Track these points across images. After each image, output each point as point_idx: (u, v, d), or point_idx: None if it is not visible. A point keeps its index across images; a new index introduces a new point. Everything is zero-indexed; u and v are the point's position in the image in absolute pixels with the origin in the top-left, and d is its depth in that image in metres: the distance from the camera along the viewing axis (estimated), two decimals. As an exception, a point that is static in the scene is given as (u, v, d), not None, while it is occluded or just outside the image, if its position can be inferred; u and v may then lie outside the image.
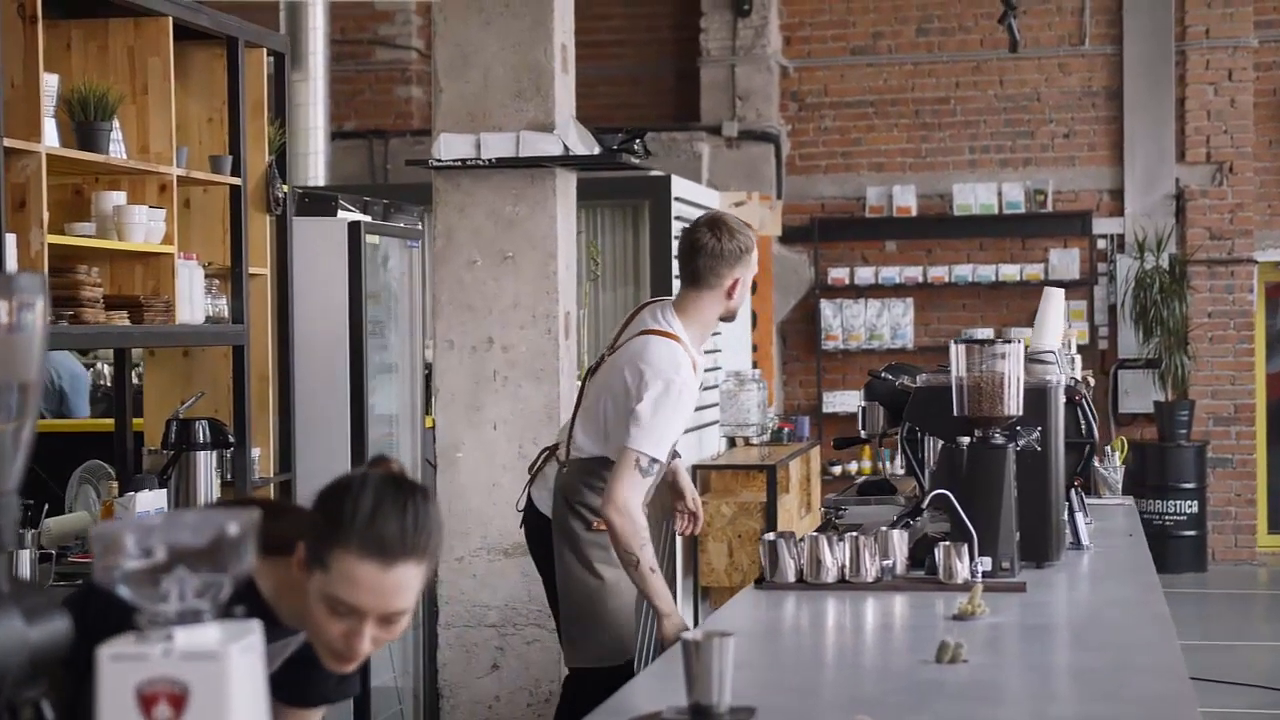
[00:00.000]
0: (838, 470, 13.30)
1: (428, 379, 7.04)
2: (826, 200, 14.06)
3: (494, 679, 6.60)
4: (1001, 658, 3.79)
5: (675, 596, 6.32)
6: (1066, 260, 13.54)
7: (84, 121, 5.17)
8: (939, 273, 13.66)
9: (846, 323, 13.80)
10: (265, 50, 6.31)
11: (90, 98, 5.17)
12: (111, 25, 5.57)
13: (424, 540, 2.65)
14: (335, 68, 13.86)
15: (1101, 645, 4.09)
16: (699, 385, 5.15)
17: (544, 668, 6.62)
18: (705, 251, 5.07)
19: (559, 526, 5.16)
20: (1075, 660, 3.88)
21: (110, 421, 6.25)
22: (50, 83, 5.08)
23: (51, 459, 6.65)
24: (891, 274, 13.73)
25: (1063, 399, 5.21)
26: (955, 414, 4.88)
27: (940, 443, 5.04)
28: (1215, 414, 13.51)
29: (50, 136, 5.03)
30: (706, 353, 10.48)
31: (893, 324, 13.71)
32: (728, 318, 5.25)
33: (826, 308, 13.79)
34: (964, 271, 13.64)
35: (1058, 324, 6.28)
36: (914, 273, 13.69)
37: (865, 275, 13.77)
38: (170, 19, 5.58)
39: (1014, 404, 4.86)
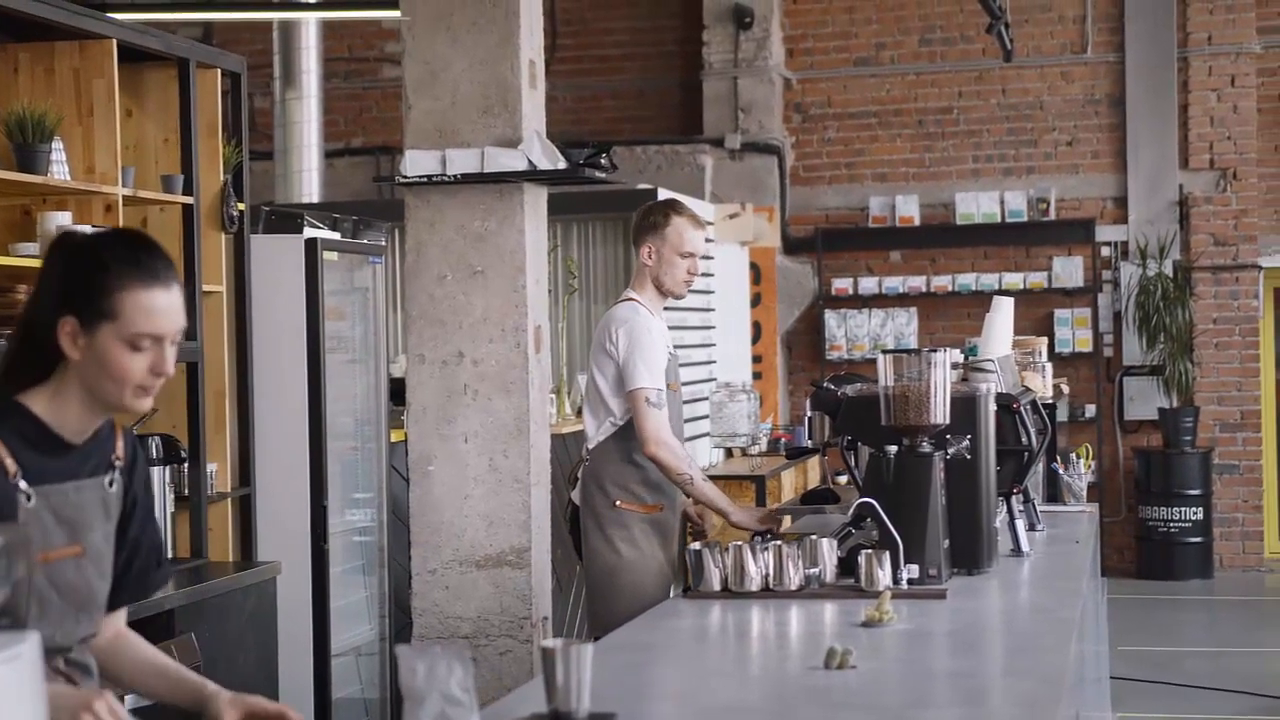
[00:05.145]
0: (844, 480, 13.25)
1: (392, 393, 7.09)
2: (830, 211, 14.08)
3: (465, 690, 6.63)
4: (891, 664, 3.81)
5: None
6: (1070, 268, 13.52)
7: (23, 144, 5.24)
8: (942, 282, 13.67)
9: (850, 333, 13.80)
10: (220, 71, 6.38)
11: (29, 119, 5.24)
12: (57, 48, 5.63)
13: (172, 265, 3.00)
14: (342, 85, 13.98)
15: (995, 651, 4.12)
16: (666, 342, 5.79)
17: (517, 679, 6.64)
18: (633, 221, 5.95)
19: (586, 507, 5.75)
20: (962, 666, 3.90)
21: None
22: (-16, 106, 5.17)
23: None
24: (895, 284, 13.75)
25: (993, 407, 5.23)
26: (883, 423, 4.92)
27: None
28: (1222, 420, 13.48)
29: (-16, 159, 5.12)
30: (703, 363, 10.56)
31: (896, 333, 13.70)
32: (660, 288, 5.82)
33: (831, 318, 13.81)
34: (967, 280, 13.64)
35: (1005, 332, 6.32)
36: (917, 282, 13.70)
37: (869, 285, 13.79)
38: (114, 41, 5.65)
39: (940, 413, 4.90)
